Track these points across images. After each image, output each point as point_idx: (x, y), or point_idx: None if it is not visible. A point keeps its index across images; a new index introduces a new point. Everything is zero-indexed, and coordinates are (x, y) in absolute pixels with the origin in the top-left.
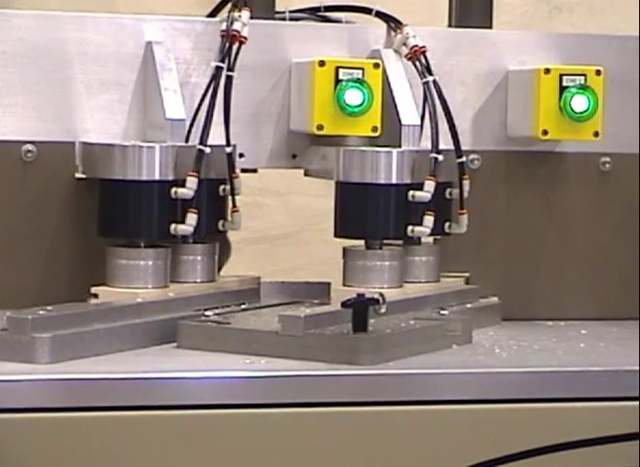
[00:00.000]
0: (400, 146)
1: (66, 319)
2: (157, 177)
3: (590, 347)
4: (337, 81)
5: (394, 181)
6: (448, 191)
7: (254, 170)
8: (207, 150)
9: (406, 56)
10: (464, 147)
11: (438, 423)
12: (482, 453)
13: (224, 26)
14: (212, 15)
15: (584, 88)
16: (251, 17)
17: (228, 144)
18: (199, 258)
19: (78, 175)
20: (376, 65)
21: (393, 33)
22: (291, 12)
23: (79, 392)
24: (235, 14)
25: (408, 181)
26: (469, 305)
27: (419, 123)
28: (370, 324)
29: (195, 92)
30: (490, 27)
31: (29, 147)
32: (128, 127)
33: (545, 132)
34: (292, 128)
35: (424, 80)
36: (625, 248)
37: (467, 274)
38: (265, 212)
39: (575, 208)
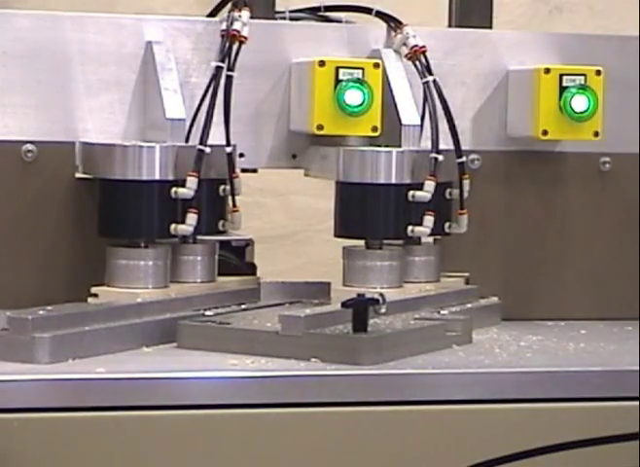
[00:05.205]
0: (400, 146)
1: (66, 319)
2: (157, 177)
3: (590, 347)
4: (338, 81)
5: (394, 181)
6: (448, 191)
7: (254, 170)
8: (207, 150)
9: (406, 56)
10: (464, 147)
11: (438, 423)
12: (482, 453)
13: (224, 26)
14: (212, 15)
15: (584, 88)
16: (251, 17)
17: (228, 144)
18: (199, 258)
19: (78, 175)
20: (376, 65)
21: (393, 33)
22: (291, 12)
23: (79, 392)
24: (235, 13)
25: (408, 181)
26: (469, 305)
27: (419, 123)
28: (370, 324)
29: (195, 92)
30: (490, 27)
31: (29, 147)
32: (128, 127)
33: (545, 132)
34: (292, 128)
35: (424, 80)
36: (625, 248)
37: (467, 274)
38: (265, 212)
39: (575, 208)
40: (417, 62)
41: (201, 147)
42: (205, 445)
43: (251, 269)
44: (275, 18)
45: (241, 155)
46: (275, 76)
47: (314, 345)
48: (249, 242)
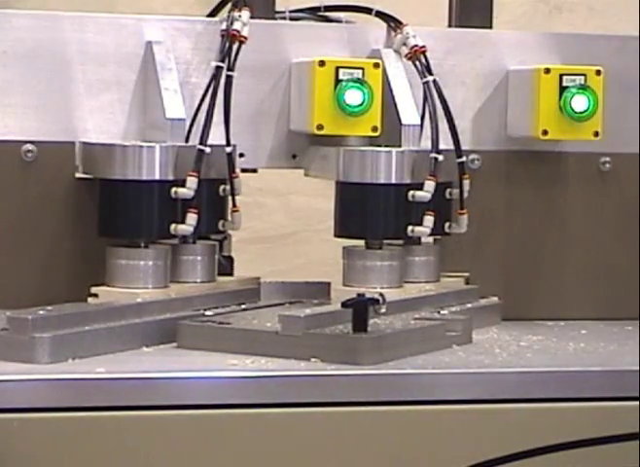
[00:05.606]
0: (400, 146)
1: (66, 319)
2: (157, 177)
3: (590, 347)
4: (338, 81)
5: (394, 181)
6: (448, 191)
7: (254, 170)
8: (207, 150)
9: (406, 56)
10: (464, 147)
11: (438, 423)
12: (482, 453)
13: (224, 26)
14: (212, 15)
15: (584, 88)
16: (251, 17)
17: (228, 144)
18: (199, 258)
19: (78, 175)
20: (376, 65)
21: (393, 33)
22: (291, 12)
23: (79, 392)
24: (235, 13)
25: (407, 181)
26: (469, 305)
27: (419, 123)
28: (370, 324)
29: (195, 92)
30: (490, 27)
31: (29, 147)
32: (128, 127)
33: (545, 132)
34: (292, 128)
35: (424, 80)
36: (625, 248)
37: (467, 274)
38: (265, 212)
39: (575, 208)
40: (417, 62)
41: (201, 147)
42: (205, 445)
43: (229, 263)
44: (275, 18)
45: (241, 155)
46: (275, 76)
47: (314, 345)
48: (226, 236)
